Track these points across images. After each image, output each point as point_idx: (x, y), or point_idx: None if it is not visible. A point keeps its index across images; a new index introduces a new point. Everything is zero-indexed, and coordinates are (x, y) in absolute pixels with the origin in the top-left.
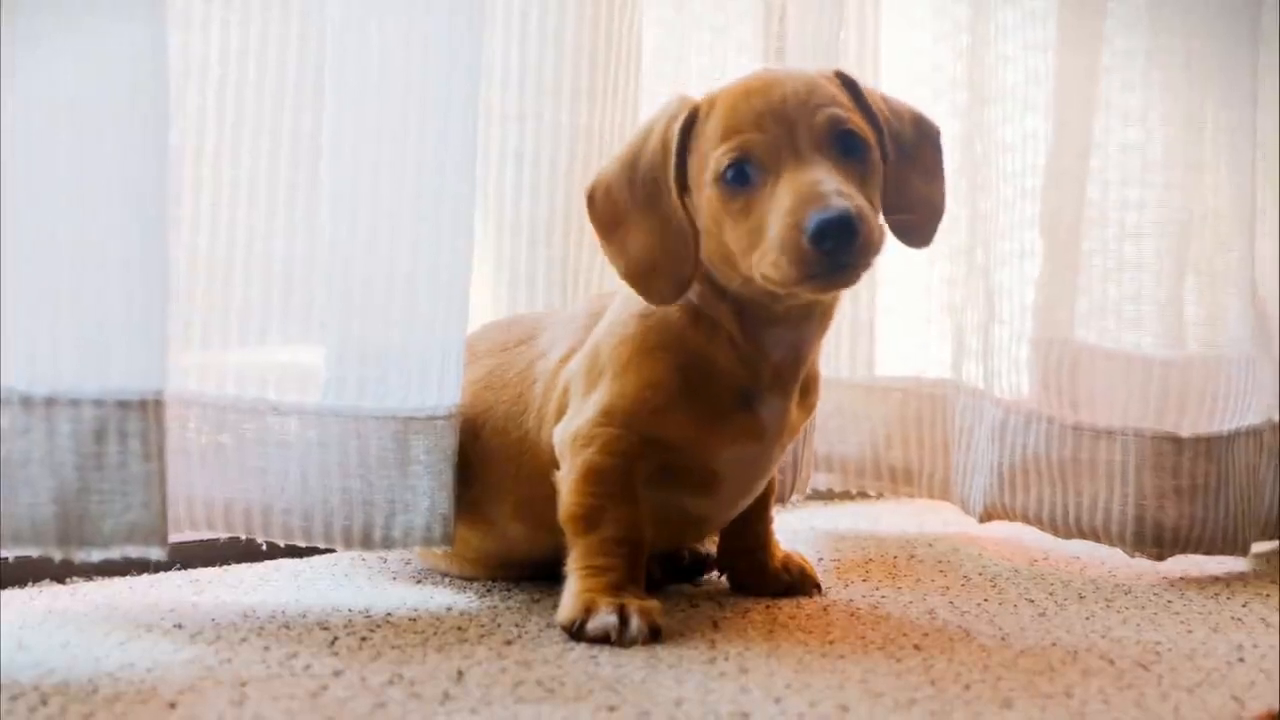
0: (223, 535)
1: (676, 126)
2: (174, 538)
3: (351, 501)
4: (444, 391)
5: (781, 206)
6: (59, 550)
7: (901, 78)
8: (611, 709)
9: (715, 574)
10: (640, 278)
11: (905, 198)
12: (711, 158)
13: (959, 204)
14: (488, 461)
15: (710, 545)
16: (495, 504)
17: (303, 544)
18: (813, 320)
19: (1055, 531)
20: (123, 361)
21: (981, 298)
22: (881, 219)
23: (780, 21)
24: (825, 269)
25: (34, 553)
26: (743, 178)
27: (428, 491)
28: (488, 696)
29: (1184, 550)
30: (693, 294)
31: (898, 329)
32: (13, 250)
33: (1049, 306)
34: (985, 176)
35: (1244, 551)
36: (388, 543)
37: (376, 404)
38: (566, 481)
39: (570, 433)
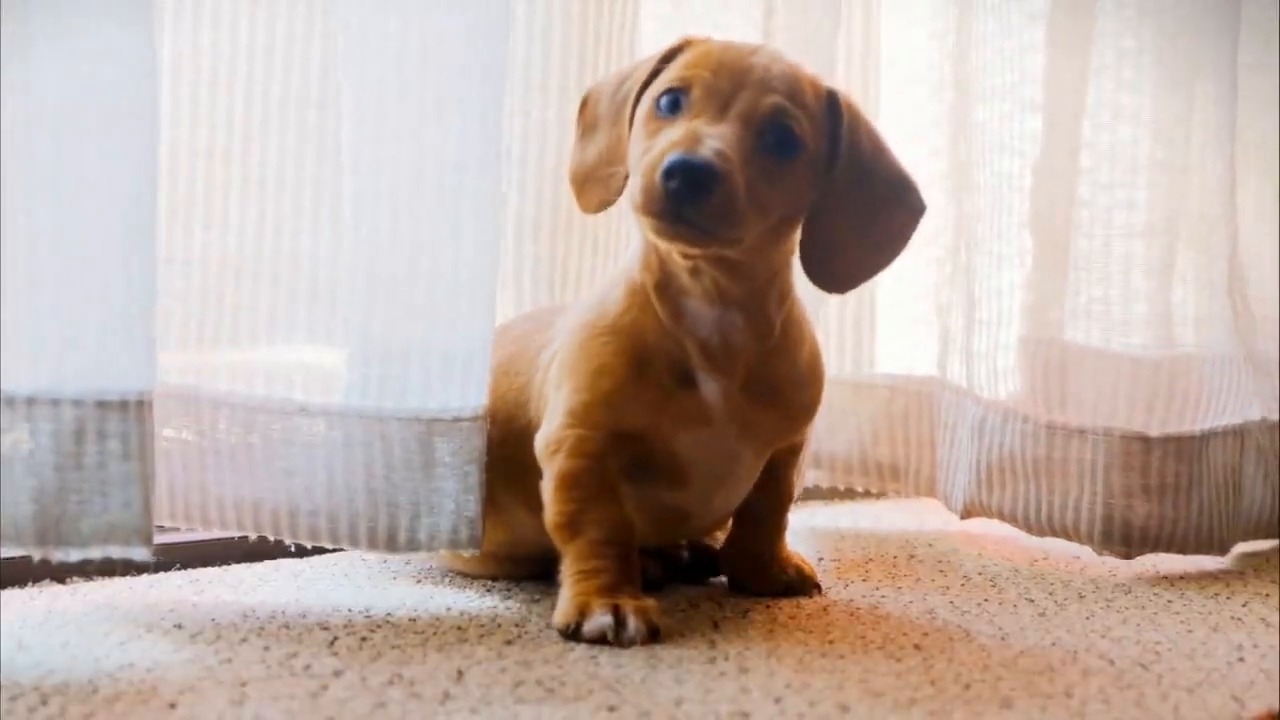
0: (253, 535)
1: (661, 53)
2: (175, 538)
3: (377, 503)
4: (468, 392)
5: (664, 141)
6: (37, 550)
7: (900, 76)
8: (611, 709)
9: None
10: (580, 182)
11: (841, 238)
12: (660, 80)
13: (948, 202)
14: (501, 446)
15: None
16: (505, 489)
17: (329, 545)
18: (730, 306)
19: (1029, 529)
20: (104, 362)
21: (964, 296)
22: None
23: (778, 19)
24: (666, 210)
25: (12, 552)
26: (673, 107)
27: (452, 494)
28: (488, 696)
29: (1154, 549)
30: (635, 268)
31: (889, 328)
32: None
33: (1029, 306)
34: (973, 178)
35: (1221, 551)
36: (413, 545)
37: (399, 405)
38: (546, 490)
39: (544, 440)
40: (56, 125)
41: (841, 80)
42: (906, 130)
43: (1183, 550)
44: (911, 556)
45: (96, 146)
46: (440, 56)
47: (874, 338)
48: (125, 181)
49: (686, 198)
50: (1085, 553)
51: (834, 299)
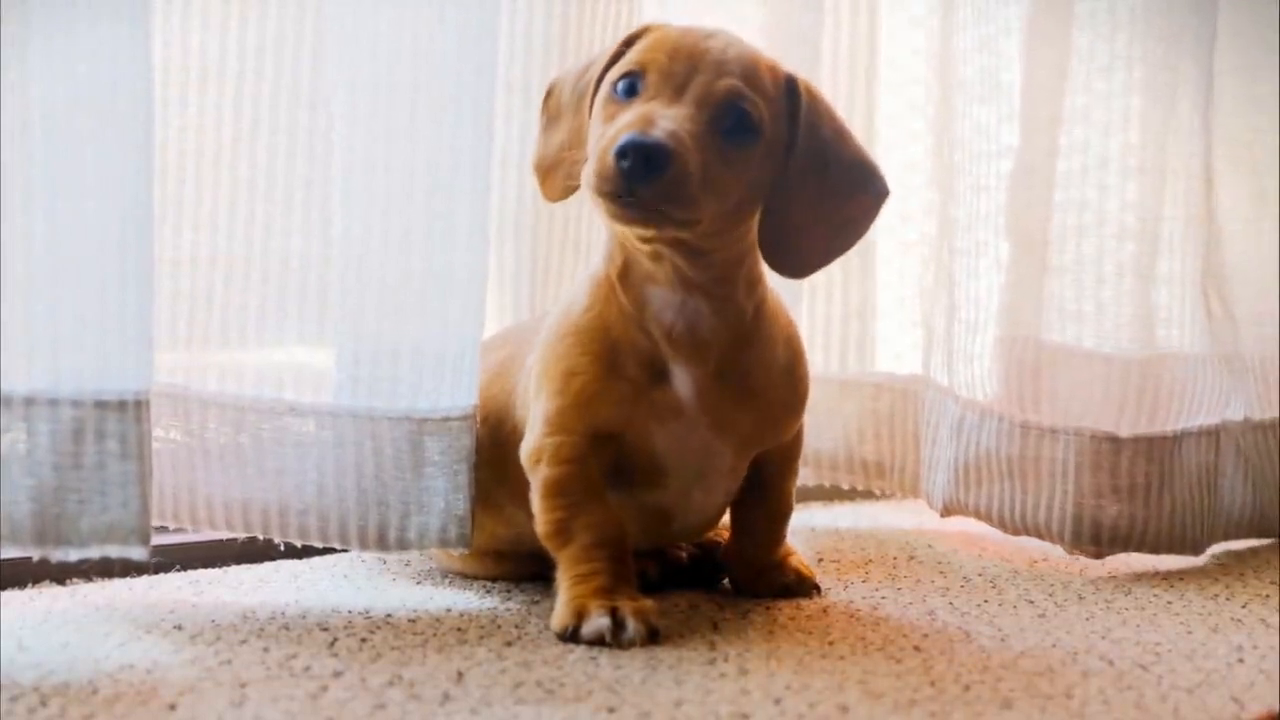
0: (242, 535)
1: (621, 40)
2: (175, 538)
3: (367, 502)
4: (458, 392)
5: (619, 123)
6: (36, 549)
7: (900, 78)
8: (611, 710)
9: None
10: (543, 171)
11: (800, 223)
12: (618, 66)
13: (943, 203)
14: (493, 447)
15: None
16: (499, 488)
17: (319, 544)
18: (694, 293)
19: (1004, 528)
20: (102, 362)
21: (946, 295)
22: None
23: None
24: (619, 190)
25: (11, 552)
26: (630, 91)
27: (442, 493)
28: (488, 697)
29: (1125, 549)
30: (600, 263)
31: (886, 327)
32: None
33: (1006, 306)
34: (964, 179)
35: (1195, 551)
36: (403, 544)
37: (390, 405)
38: (534, 500)
39: (526, 450)
40: (54, 125)
41: (828, 79)
42: (904, 131)
43: (1155, 550)
44: (911, 557)
45: (94, 146)
46: (431, 57)
47: (873, 335)
48: (122, 181)
49: (639, 177)
50: None
51: (822, 294)
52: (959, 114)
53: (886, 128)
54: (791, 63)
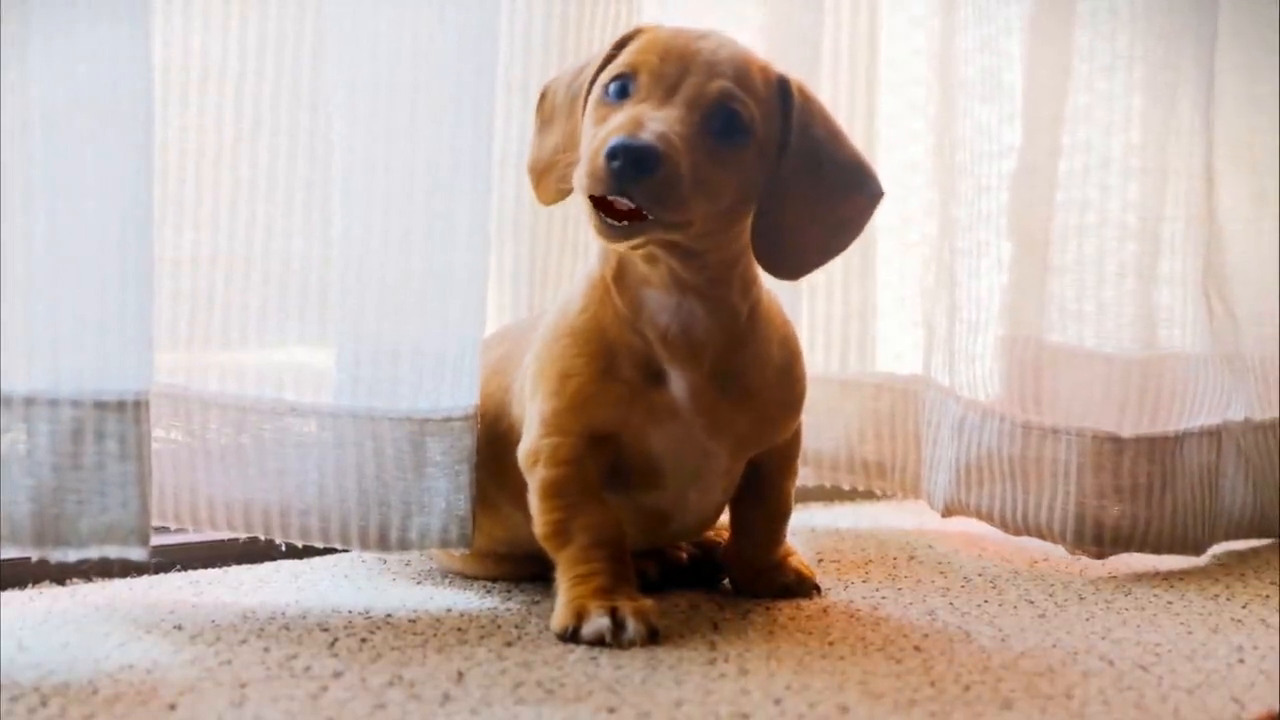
0: (243, 535)
1: (614, 42)
2: (175, 538)
3: (368, 503)
4: (459, 392)
5: (610, 125)
6: (35, 550)
7: (901, 78)
8: (611, 710)
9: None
10: (538, 173)
11: (793, 224)
12: (610, 68)
13: (943, 203)
14: (489, 444)
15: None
16: (498, 488)
17: (320, 545)
18: (689, 294)
19: (1005, 528)
20: (101, 362)
21: (947, 295)
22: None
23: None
24: (609, 191)
25: (11, 552)
26: (621, 93)
27: (444, 493)
28: (488, 698)
29: (1126, 549)
30: (596, 263)
31: (887, 326)
32: None
33: (1008, 306)
34: (964, 180)
35: (1197, 551)
36: (404, 544)
37: (390, 405)
38: (532, 502)
39: (524, 452)
40: (54, 125)
41: (828, 79)
42: (905, 131)
43: (1156, 550)
44: (912, 558)
45: (94, 146)
46: (431, 57)
47: (873, 335)
48: (122, 181)
49: (629, 178)
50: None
51: (822, 294)
52: (960, 114)
53: (887, 128)
54: (791, 63)
